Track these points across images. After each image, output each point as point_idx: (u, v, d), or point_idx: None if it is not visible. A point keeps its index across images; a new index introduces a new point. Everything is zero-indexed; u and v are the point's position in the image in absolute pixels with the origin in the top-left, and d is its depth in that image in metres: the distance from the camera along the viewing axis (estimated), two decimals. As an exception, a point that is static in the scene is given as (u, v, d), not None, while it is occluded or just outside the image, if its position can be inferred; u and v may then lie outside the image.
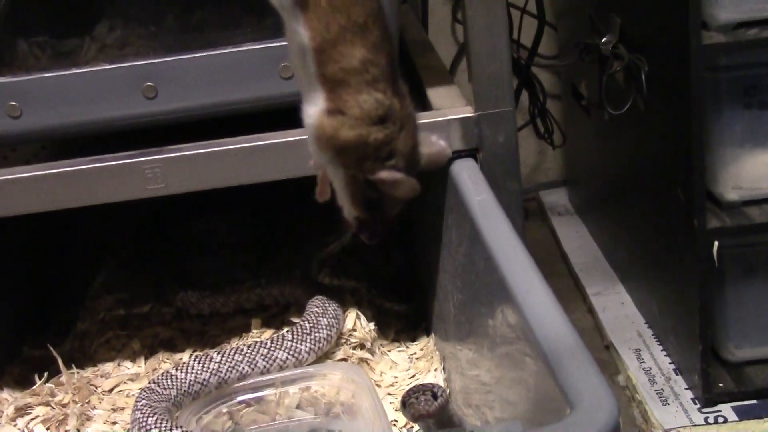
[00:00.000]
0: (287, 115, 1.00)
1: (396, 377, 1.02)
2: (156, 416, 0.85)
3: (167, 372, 0.93)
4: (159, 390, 0.91)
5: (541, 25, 1.64)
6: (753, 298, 1.25)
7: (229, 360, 0.94)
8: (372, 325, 1.05)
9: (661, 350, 1.35)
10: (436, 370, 1.01)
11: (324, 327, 0.99)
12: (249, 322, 1.09)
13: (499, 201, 0.87)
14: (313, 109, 0.48)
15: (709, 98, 1.15)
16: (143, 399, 0.89)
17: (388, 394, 0.99)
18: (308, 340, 0.97)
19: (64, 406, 0.96)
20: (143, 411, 0.86)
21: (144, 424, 0.85)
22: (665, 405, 1.23)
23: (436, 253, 1.01)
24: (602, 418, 0.52)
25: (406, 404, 0.71)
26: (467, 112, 0.93)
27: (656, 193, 1.31)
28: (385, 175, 0.49)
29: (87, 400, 0.98)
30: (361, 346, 1.03)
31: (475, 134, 0.93)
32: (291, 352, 0.97)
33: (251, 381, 0.95)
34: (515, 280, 0.73)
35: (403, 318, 1.14)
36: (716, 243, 1.16)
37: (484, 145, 0.94)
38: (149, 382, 0.93)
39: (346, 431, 0.91)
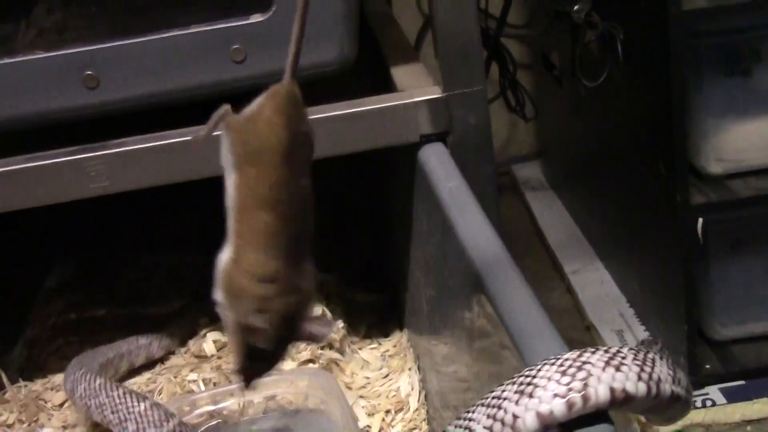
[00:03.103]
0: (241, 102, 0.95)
1: (368, 378, 0.96)
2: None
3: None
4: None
5: (509, -7, 1.57)
6: (738, 275, 1.19)
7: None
8: (341, 324, 0.99)
9: (645, 331, 1.29)
10: (410, 369, 0.95)
11: None
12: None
13: (472, 186, 0.81)
14: (224, 255, 0.53)
15: (689, 66, 1.09)
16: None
17: (360, 397, 0.93)
18: None
19: (9, 426, 0.89)
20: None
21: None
22: (651, 389, 1.18)
23: (406, 244, 0.94)
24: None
25: None
26: (435, 93, 0.86)
27: (635, 167, 1.25)
28: (251, 320, 0.52)
29: (35, 418, 0.91)
30: (330, 346, 0.97)
31: (445, 116, 0.86)
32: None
33: (212, 391, 0.88)
34: (490, 274, 0.67)
35: (375, 310, 1.08)
36: (701, 219, 1.11)
37: (454, 128, 0.87)
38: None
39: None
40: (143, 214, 1.22)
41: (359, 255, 1.18)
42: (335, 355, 0.96)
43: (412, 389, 0.92)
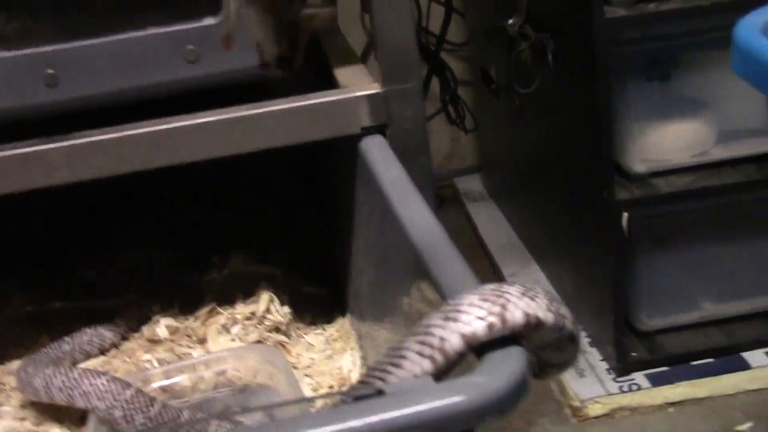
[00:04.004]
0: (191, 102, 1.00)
1: (313, 358, 1.01)
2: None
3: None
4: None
5: (448, 11, 1.65)
6: (662, 268, 1.27)
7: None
8: (287, 309, 1.04)
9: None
10: (352, 349, 1.01)
11: None
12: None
13: (410, 176, 0.87)
14: None
15: (613, 72, 1.17)
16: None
17: (306, 375, 0.99)
18: None
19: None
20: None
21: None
22: (582, 377, 1.25)
23: (349, 232, 1.01)
24: (507, 371, 0.53)
25: None
26: (374, 89, 0.93)
27: (567, 171, 1.33)
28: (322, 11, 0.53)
29: (-5, 398, 0.95)
30: (277, 329, 1.02)
31: (384, 110, 0.93)
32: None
33: (165, 367, 0.93)
34: (430, 256, 0.73)
35: (321, 301, 1.13)
36: (625, 214, 1.18)
37: (392, 121, 0.94)
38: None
39: (262, 404, 0.91)
40: (98, 212, 1.27)
41: (306, 249, 1.23)
42: (282, 337, 1.02)
43: (354, 366, 0.97)
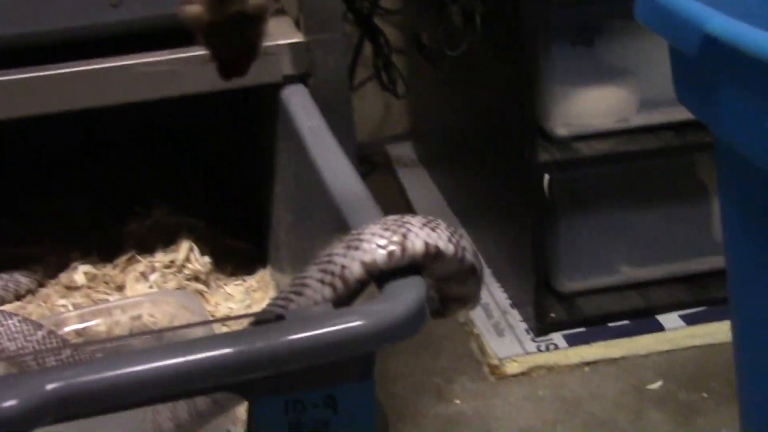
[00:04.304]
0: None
1: (231, 308, 1.02)
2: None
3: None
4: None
5: (382, -26, 1.65)
6: (583, 232, 1.30)
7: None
8: (207, 259, 1.04)
9: (499, 286, 1.38)
10: (271, 298, 1.01)
11: None
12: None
13: (331, 126, 0.88)
14: None
15: (538, 36, 1.19)
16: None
17: (224, 325, 0.99)
18: None
19: None
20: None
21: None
22: (501, 336, 1.27)
23: (270, 182, 1.01)
24: (406, 298, 0.53)
25: None
26: (297, 38, 0.93)
27: (492, 135, 1.35)
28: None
29: None
30: (196, 279, 1.02)
31: (306, 60, 0.93)
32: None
33: (80, 311, 0.93)
34: (348, 205, 0.73)
35: (244, 254, 1.14)
36: (546, 176, 1.20)
37: (315, 71, 0.94)
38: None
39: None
40: (18, 159, 1.26)
41: (231, 201, 1.23)
42: (201, 286, 1.02)
43: (273, 314, 0.98)
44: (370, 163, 1.91)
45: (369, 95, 1.89)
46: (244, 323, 0.60)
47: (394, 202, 1.77)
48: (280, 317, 0.54)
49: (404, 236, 0.54)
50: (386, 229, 0.55)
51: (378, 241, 0.54)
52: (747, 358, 0.66)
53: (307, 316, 0.53)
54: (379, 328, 0.52)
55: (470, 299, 0.62)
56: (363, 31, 1.68)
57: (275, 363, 0.52)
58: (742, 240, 0.62)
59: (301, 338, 0.52)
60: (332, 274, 0.55)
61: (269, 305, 0.60)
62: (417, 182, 1.79)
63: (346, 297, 0.55)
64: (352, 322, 0.52)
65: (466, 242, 0.58)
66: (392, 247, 0.54)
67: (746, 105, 0.49)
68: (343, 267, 0.54)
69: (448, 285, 0.60)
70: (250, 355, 0.52)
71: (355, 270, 0.54)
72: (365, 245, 0.54)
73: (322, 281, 0.55)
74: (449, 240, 0.56)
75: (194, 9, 0.53)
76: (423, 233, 0.55)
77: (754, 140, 0.49)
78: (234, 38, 0.56)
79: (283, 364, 0.52)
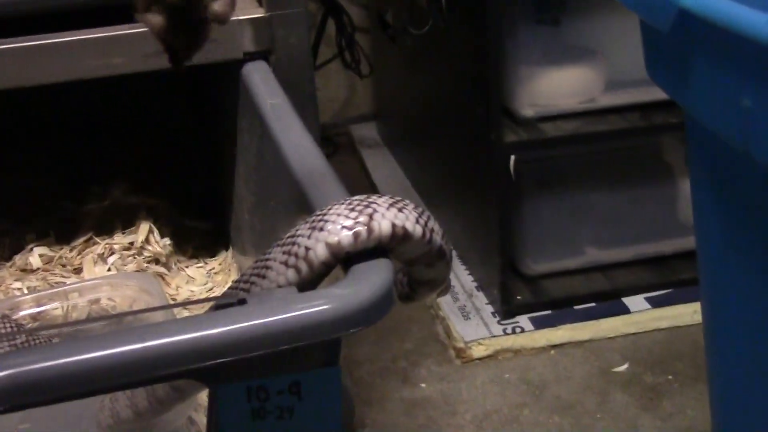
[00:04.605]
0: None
1: (192, 291, 0.99)
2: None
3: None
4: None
5: (346, -49, 1.63)
6: (548, 214, 1.29)
7: None
8: (167, 241, 1.02)
9: (465, 269, 1.37)
10: (233, 281, 0.99)
11: None
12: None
13: (294, 102, 0.86)
14: None
15: (503, 15, 1.17)
16: None
17: (184, 308, 0.97)
18: None
19: None
20: None
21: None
22: (467, 320, 1.26)
23: (231, 161, 0.99)
24: (372, 282, 0.52)
25: None
26: (258, 13, 0.91)
27: (457, 115, 1.33)
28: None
29: None
30: (156, 261, 1.00)
31: (267, 35, 0.91)
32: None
33: (36, 294, 0.90)
34: (305, 175, 0.72)
35: (204, 234, 1.11)
36: (512, 157, 1.19)
37: (276, 47, 0.92)
38: None
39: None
40: None
41: (191, 181, 1.21)
42: (161, 269, 1.00)
43: (235, 298, 0.96)
44: (334, 143, 1.89)
45: (332, 75, 1.87)
46: (205, 307, 0.57)
47: (358, 184, 1.75)
48: (241, 301, 0.51)
49: (370, 217, 0.52)
50: (352, 210, 0.53)
51: (343, 222, 0.52)
52: (716, 339, 0.65)
53: (269, 301, 0.51)
54: (344, 313, 0.51)
55: (439, 283, 0.60)
56: (326, 9, 1.65)
57: (236, 349, 0.50)
58: (712, 220, 0.61)
59: (264, 323, 0.50)
60: (296, 256, 0.53)
61: (231, 288, 0.58)
62: (381, 163, 1.77)
63: (311, 280, 0.53)
64: (316, 307, 0.50)
65: (435, 224, 0.56)
66: (358, 228, 0.52)
67: (721, 82, 0.48)
68: (308, 249, 0.52)
69: (416, 268, 0.58)
70: (210, 341, 0.50)
71: (320, 252, 0.52)
72: (330, 226, 0.52)
73: (285, 263, 0.53)
74: (417, 221, 0.54)
75: (156, 20, 0.53)
76: (390, 214, 0.53)
77: (728, 119, 0.48)
78: (190, 37, 0.56)
79: (244, 350, 0.50)
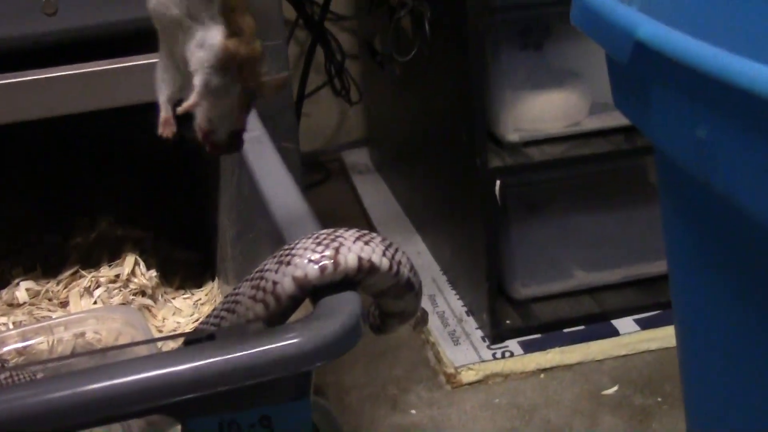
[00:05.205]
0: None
1: (179, 323, 1.00)
2: None
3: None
4: None
5: (332, -21, 1.64)
6: (536, 237, 1.29)
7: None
8: (153, 273, 1.02)
9: (455, 294, 1.38)
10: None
11: None
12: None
13: (275, 134, 0.86)
14: (214, 37, 0.56)
15: (486, 41, 1.18)
16: None
17: (172, 341, 0.97)
18: None
19: None
20: None
21: None
22: (457, 345, 1.26)
23: (215, 192, 0.99)
24: (339, 315, 0.52)
25: None
26: (238, 46, 0.92)
27: (444, 140, 1.34)
28: (266, 78, 0.57)
29: None
30: (142, 293, 1.00)
31: (248, 68, 0.92)
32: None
33: (21, 329, 0.91)
34: (278, 206, 0.72)
35: (190, 265, 1.12)
36: (498, 182, 1.19)
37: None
38: None
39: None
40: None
41: (177, 212, 1.21)
42: (147, 301, 1.00)
43: (220, 328, 0.96)
44: (326, 170, 1.90)
45: (323, 101, 1.88)
46: (179, 342, 0.58)
47: (350, 210, 1.76)
48: (210, 337, 0.52)
49: (337, 250, 0.53)
50: (318, 244, 0.53)
51: (310, 256, 0.53)
52: (690, 360, 0.65)
53: (238, 336, 0.52)
54: (312, 347, 0.51)
55: (409, 314, 0.60)
56: (314, 37, 1.66)
57: (206, 385, 0.50)
58: (681, 243, 0.62)
59: (232, 359, 0.50)
60: (264, 290, 0.53)
61: (202, 323, 0.58)
62: (372, 189, 1.77)
63: (280, 314, 0.54)
64: (284, 341, 0.51)
65: (403, 256, 0.56)
66: (324, 262, 0.53)
67: (678, 113, 0.48)
68: (275, 283, 0.53)
69: (384, 300, 0.59)
70: (179, 377, 0.50)
71: (287, 286, 0.53)
72: (297, 260, 0.53)
73: (254, 298, 0.54)
74: (383, 254, 0.54)
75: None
76: (356, 247, 0.53)
77: (687, 149, 0.48)
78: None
79: (213, 385, 0.50)
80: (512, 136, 1.23)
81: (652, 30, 0.49)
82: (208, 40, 0.57)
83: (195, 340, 0.52)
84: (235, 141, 0.61)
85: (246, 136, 0.86)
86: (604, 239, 1.31)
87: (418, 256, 1.50)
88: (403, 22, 1.37)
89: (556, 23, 1.21)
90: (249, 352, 0.50)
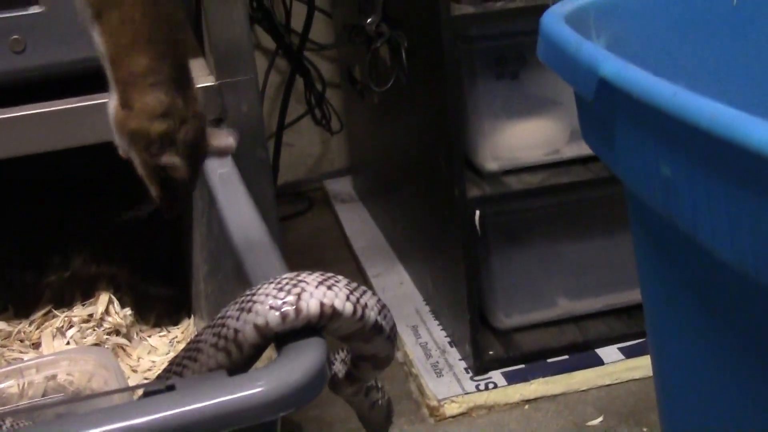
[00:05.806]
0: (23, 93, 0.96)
1: (154, 361, 0.98)
2: None
3: None
4: None
5: (310, 10, 1.64)
6: (518, 267, 1.28)
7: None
8: (128, 311, 1.01)
9: (437, 325, 1.36)
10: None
11: None
12: None
13: (248, 171, 0.86)
14: (111, 103, 0.56)
15: (464, 70, 1.17)
16: None
17: (145, 379, 0.95)
18: None
19: None
20: None
21: None
22: (440, 377, 1.25)
23: (189, 230, 0.98)
24: (303, 362, 0.51)
25: None
26: (209, 81, 0.91)
27: (423, 170, 1.33)
28: (164, 159, 0.56)
29: None
30: (116, 332, 0.99)
31: (218, 104, 0.91)
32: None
33: (-10, 373, 0.89)
34: (245, 247, 0.71)
35: (166, 302, 1.10)
36: (477, 212, 1.18)
37: (227, 115, 0.92)
38: None
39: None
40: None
41: (153, 249, 1.20)
42: (122, 340, 0.98)
43: (195, 368, 0.95)
44: (309, 199, 1.89)
45: (305, 131, 1.87)
46: (139, 392, 0.56)
47: (332, 239, 1.74)
48: (170, 387, 0.51)
49: (298, 296, 0.52)
50: (280, 290, 0.52)
51: (271, 303, 0.51)
52: (664, 392, 0.64)
53: (198, 386, 0.50)
54: (275, 396, 0.50)
55: (382, 359, 0.59)
56: (293, 67, 1.66)
57: (165, 437, 0.49)
58: (651, 277, 0.61)
59: (192, 410, 0.49)
60: (226, 338, 0.52)
61: (163, 371, 0.57)
62: (355, 218, 1.76)
63: (242, 362, 0.53)
64: (245, 391, 0.49)
65: (371, 299, 0.55)
66: (286, 309, 0.51)
67: (642, 150, 0.47)
68: (237, 331, 0.52)
69: (353, 344, 0.57)
70: (137, 430, 0.49)
71: (249, 334, 0.51)
72: (258, 307, 0.52)
73: (216, 346, 0.52)
74: (347, 298, 0.53)
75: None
76: (318, 292, 0.52)
77: (651, 186, 0.47)
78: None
79: (173, 437, 0.49)
80: (491, 165, 1.22)
81: (616, 67, 0.48)
82: (108, 104, 0.58)
83: (154, 391, 0.50)
84: (172, 203, 0.61)
85: (217, 172, 0.85)
86: (586, 267, 1.29)
87: (401, 286, 1.48)
88: (380, 52, 1.37)
89: (531, 53, 1.20)
90: (210, 402, 0.49)
